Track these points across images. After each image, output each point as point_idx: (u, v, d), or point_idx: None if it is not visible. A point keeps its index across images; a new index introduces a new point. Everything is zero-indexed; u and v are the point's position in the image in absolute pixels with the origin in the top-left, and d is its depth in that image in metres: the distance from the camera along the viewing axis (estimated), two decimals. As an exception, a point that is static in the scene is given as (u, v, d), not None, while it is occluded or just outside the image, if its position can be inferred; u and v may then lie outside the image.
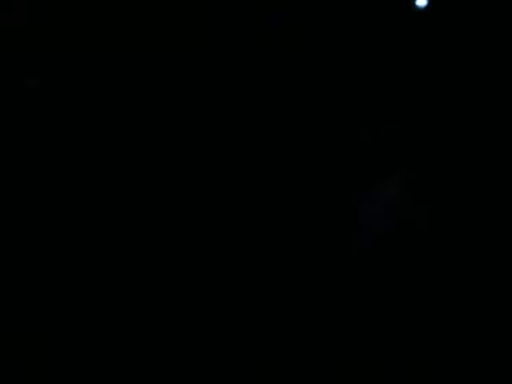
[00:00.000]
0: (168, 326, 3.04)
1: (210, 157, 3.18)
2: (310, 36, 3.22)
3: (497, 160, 3.16)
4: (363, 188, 3.14)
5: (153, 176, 3.16)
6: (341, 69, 3.22)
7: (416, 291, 3.07)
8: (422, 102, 3.21)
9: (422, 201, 3.14)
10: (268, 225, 3.13)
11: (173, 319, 3.05)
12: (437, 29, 3.22)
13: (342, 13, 3.24)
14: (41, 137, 3.16)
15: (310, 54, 3.23)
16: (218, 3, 3.23)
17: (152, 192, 3.15)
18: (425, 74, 3.23)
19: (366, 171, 3.16)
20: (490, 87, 3.20)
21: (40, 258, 3.07)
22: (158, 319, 3.05)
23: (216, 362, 3.01)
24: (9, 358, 2.95)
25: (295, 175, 3.17)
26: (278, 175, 3.17)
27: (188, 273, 3.09)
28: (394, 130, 3.18)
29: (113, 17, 3.21)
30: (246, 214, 3.14)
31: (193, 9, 3.24)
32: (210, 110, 3.22)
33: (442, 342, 3.02)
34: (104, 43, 3.20)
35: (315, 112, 3.21)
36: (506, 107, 3.19)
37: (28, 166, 3.14)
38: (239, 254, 3.11)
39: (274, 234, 3.12)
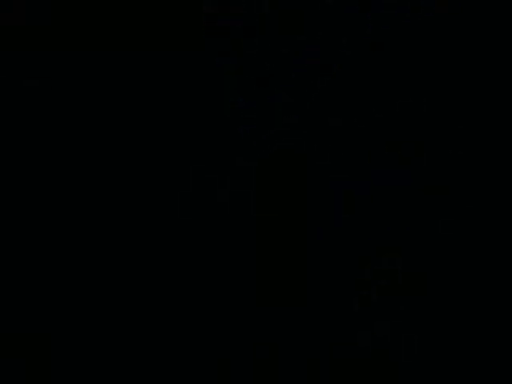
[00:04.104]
0: (167, 325, 3.04)
1: (209, 156, 3.18)
2: (307, 31, 3.23)
3: (493, 160, 3.16)
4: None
5: (152, 176, 3.16)
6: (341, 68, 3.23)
7: (415, 291, 3.08)
8: (419, 98, 3.22)
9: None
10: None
11: (172, 319, 3.05)
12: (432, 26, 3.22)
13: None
14: (41, 137, 3.16)
15: (306, 51, 3.23)
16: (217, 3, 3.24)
17: (152, 192, 3.15)
18: (424, 72, 3.23)
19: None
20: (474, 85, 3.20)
21: (40, 257, 3.08)
22: (157, 319, 3.05)
23: (213, 362, 3.02)
24: (9, 358, 2.96)
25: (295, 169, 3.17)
26: (277, 171, 3.17)
27: (187, 271, 3.10)
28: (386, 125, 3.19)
29: (113, 17, 3.21)
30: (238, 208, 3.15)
31: (193, 9, 3.24)
32: (209, 110, 3.22)
33: (441, 343, 3.03)
34: (104, 43, 3.20)
35: (315, 110, 3.21)
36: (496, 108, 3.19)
37: (28, 166, 3.14)
38: (236, 254, 3.11)
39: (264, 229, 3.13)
